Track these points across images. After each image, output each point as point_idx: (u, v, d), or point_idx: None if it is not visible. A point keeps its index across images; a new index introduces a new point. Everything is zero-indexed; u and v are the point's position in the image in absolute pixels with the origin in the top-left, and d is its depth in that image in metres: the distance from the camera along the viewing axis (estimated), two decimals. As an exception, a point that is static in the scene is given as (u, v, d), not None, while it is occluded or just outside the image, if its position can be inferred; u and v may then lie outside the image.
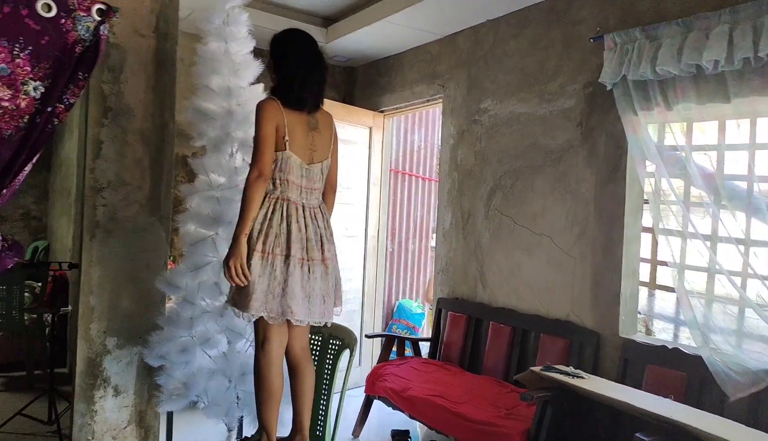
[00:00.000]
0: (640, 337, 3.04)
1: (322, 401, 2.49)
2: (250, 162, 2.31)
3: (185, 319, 2.79)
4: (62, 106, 2.43)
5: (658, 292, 3.14)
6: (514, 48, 3.73)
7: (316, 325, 2.37)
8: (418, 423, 3.70)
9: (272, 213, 2.25)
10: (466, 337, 3.82)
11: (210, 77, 2.89)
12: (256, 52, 3.02)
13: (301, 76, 2.30)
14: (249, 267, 2.18)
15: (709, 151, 2.75)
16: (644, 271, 3.12)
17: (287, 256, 2.23)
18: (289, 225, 2.25)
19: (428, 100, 4.53)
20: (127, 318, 2.87)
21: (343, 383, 2.48)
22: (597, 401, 2.54)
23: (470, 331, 3.81)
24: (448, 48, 4.27)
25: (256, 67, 2.99)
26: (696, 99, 2.65)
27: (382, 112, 4.93)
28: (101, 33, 2.48)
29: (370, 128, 4.85)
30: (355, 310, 4.76)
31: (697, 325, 2.61)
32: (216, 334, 2.84)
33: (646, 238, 3.10)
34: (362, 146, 4.82)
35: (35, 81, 2.38)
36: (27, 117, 2.38)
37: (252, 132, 2.42)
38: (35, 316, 4.35)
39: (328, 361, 2.54)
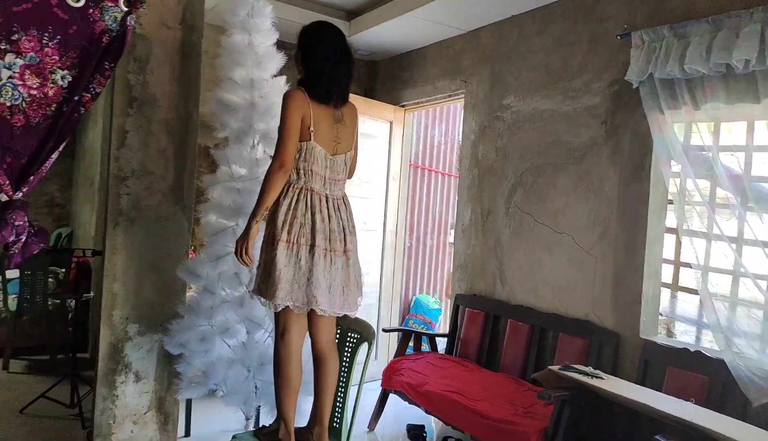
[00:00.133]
0: (661, 338, 3.00)
1: (339, 394, 2.50)
2: (272, 153, 2.33)
3: (205, 308, 2.82)
4: (88, 95, 2.45)
5: (680, 294, 3.10)
6: (538, 44, 3.69)
7: (336, 316, 2.38)
8: (433, 418, 3.70)
9: (296, 203, 2.27)
10: (484, 333, 3.81)
11: (233, 69, 2.91)
12: (279, 45, 3.03)
13: (330, 69, 2.30)
14: (275, 257, 2.20)
15: (736, 152, 2.70)
16: (667, 273, 3.07)
17: (312, 246, 2.24)
18: (313, 215, 2.26)
19: (450, 96, 4.51)
20: (149, 305, 2.91)
21: (361, 377, 2.49)
22: (616, 402, 2.52)
23: (488, 328, 3.80)
24: (471, 43, 4.24)
25: (279, 60, 3.01)
26: (725, 98, 2.60)
27: (403, 106, 4.92)
28: (128, 24, 2.50)
29: (391, 122, 4.84)
30: (373, 304, 4.77)
31: (720, 328, 2.57)
32: (235, 324, 2.87)
33: (669, 239, 3.06)
34: (382, 140, 4.81)
35: (63, 70, 2.41)
36: (54, 105, 2.41)
37: (274, 124, 2.44)
38: (58, 301, 4.44)
39: (346, 354, 2.55)
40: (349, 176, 2.53)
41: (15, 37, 2.29)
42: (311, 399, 2.47)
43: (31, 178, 2.38)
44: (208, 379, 2.80)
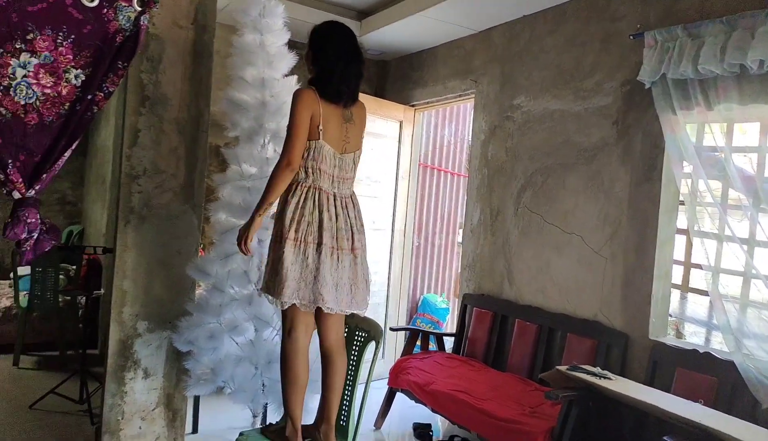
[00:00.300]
0: (670, 340, 2.99)
1: (346, 392, 2.50)
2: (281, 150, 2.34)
3: (214, 306, 2.84)
4: (101, 94, 2.48)
5: (690, 295, 3.08)
6: (550, 44, 3.68)
7: (344, 314, 2.39)
8: (440, 417, 3.70)
9: (304, 201, 2.27)
10: (491, 333, 3.80)
11: (245, 69, 2.92)
12: (291, 44, 3.04)
13: (341, 68, 2.31)
14: (282, 255, 2.21)
15: (749, 153, 2.68)
16: (677, 274, 3.06)
17: (319, 244, 2.25)
18: (320, 213, 2.27)
19: (460, 95, 4.50)
20: (158, 303, 2.93)
21: (368, 375, 2.50)
22: (624, 403, 2.51)
23: (495, 327, 3.79)
24: (482, 43, 4.23)
25: (290, 59, 3.01)
26: (738, 99, 2.58)
27: (413, 106, 4.92)
28: (141, 23, 2.52)
29: (401, 122, 4.85)
30: (380, 302, 4.78)
31: (730, 329, 2.55)
32: (244, 322, 2.89)
33: (680, 240, 3.04)
34: (392, 140, 4.82)
35: (77, 69, 2.43)
36: (68, 104, 2.43)
37: (284, 123, 2.45)
38: (69, 298, 4.47)
39: (353, 352, 2.55)
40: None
41: (30, 36, 2.31)
42: (318, 397, 2.47)
43: (44, 176, 2.41)
44: (216, 376, 2.82)
